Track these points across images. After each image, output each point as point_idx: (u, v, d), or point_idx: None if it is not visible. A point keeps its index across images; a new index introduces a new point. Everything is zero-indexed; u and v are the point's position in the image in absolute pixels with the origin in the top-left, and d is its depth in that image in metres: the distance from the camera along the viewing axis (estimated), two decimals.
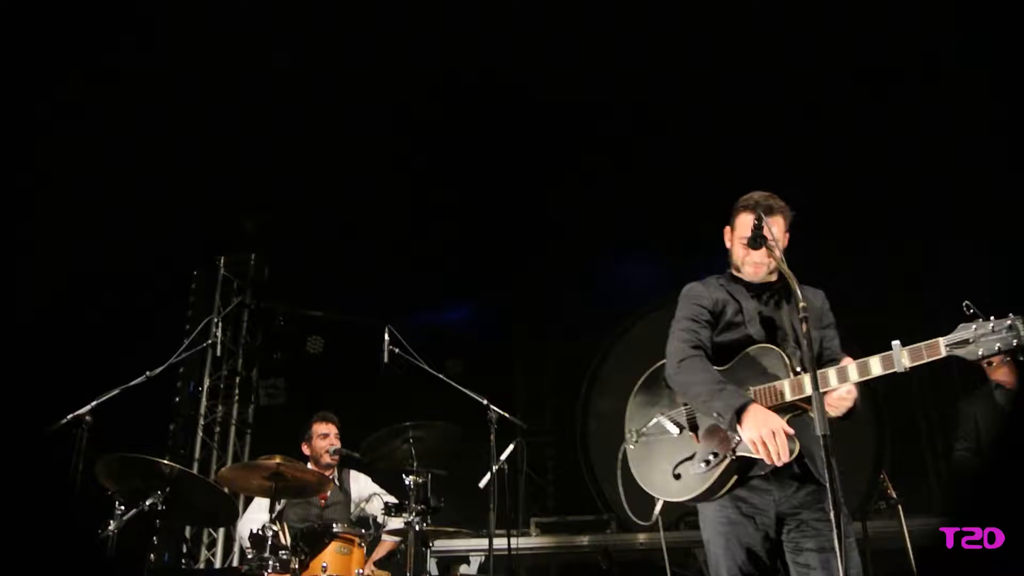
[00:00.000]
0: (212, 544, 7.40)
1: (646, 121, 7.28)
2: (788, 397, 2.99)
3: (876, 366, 2.83)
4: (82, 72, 5.79)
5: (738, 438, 2.99)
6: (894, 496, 5.53)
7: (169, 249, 7.30)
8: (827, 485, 3.02)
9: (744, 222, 3.25)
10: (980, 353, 2.62)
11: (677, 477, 3.18)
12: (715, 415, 3.04)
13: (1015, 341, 2.58)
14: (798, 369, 3.03)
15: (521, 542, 6.65)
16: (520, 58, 6.80)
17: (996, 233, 6.40)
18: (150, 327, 6.87)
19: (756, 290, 3.33)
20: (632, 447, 3.36)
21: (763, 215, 3.14)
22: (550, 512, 7.77)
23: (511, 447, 5.25)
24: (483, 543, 5.97)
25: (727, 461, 3.05)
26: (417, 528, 4.66)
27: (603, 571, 6.42)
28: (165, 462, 4.33)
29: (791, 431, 2.92)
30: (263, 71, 6.64)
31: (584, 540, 6.78)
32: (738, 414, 2.96)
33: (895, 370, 2.78)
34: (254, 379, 7.84)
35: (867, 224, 7.42)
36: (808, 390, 2.87)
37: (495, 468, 4.99)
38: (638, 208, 7.67)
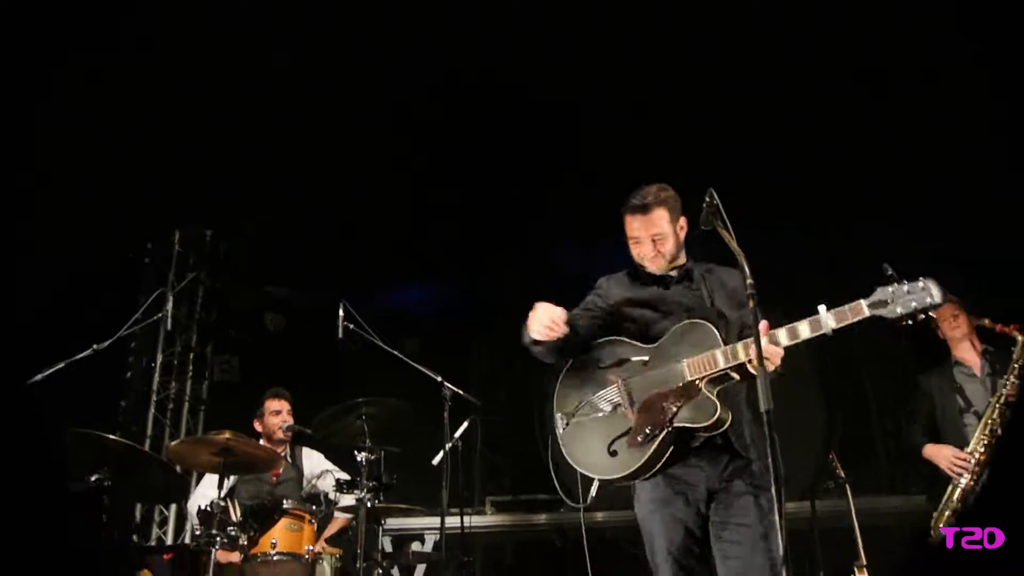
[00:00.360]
0: (164, 522, 7.31)
1: (644, 121, 7.23)
2: (721, 365, 3.07)
3: (805, 329, 2.96)
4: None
5: (674, 409, 3.07)
6: (842, 476, 5.61)
7: (123, 224, 7.16)
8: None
9: (628, 223, 3.42)
10: (899, 312, 2.80)
11: (613, 454, 3.19)
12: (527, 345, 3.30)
13: (928, 299, 2.78)
14: (728, 339, 3.12)
15: (476, 520, 6.67)
16: (520, 58, 6.72)
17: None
18: (103, 302, 6.75)
19: (663, 281, 3.45)
20: (562, 431, 3.35)
21: (639, 212, 3.36)
22: (506, 491, 7.78)
23: (465, 424, 5.25)
24: (437, 521, 5.98)
25: (664, 433, 3.10)
26: (368, 505, 4.66)
27: (558, 549, 6.46)
28: (111, 437, 4.26)
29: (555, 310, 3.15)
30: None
31: (542, 518, 6.82)
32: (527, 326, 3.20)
33: (823, 332, 2.92)
34: (208, 355, 7.74)
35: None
36: (741, 356, 3.02)
37: (448, 446, 4.99)
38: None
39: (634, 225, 3.40)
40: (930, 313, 2.80)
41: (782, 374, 3.05)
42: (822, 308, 2.91)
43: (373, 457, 4.79)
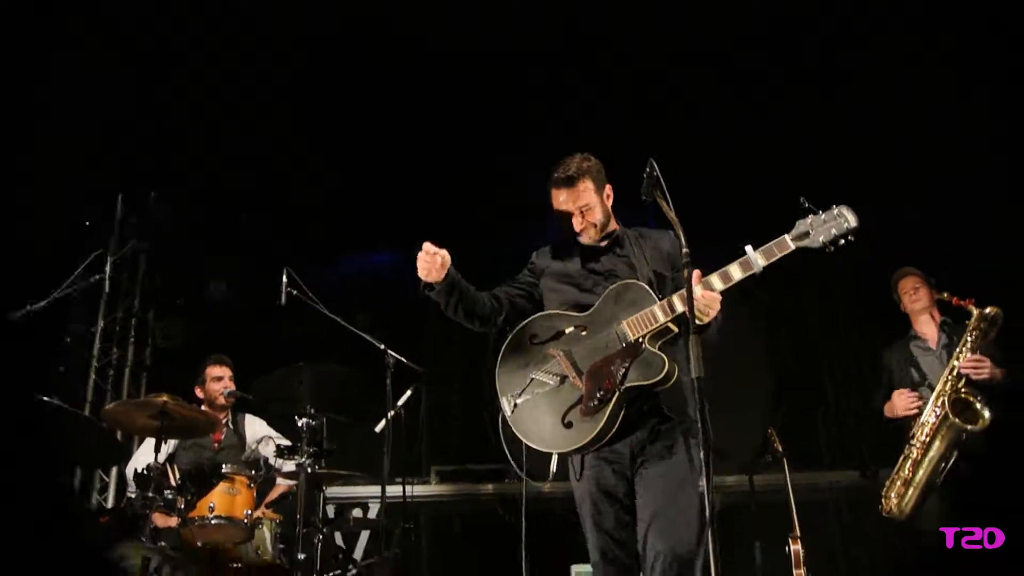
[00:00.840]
0: (104, 488, 7.19)
1: (603, 75, 7.11)
2: (661, 319, 3.10)
3: (736, 271, 3.07)
4: None
5: (622, 371, 3.09)
6: (780, 450, 5.70)
7: (61, 191, 6.96)
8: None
9: (554, 197, 3.44)
10: (821, 240, 2.96)
11: (568, 426, 3.17)
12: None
13: (845, 224, 2.93)
14: (660, 296, 3.15)
15: (420, 490, 6.67)
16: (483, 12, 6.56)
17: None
18: (41, 268, 6.58)
19: (592, 251, 3.47)
20: (511, 413, 3.30)
21: (564, 186, 3.35)
22: (452, 461, 7.78)
23: (408, 392, 5.25)
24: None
25: (616, 396, 3.10)
26: (308, 471, 4.64)
27: (502, 519, 6.49)
28: (44, 399, 4.18)
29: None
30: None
31: (488, 488, 6.83)
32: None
33: (754, 271, 3.02)
34: (151, 321, 7.61)
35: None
36: (679, 307, 3.06)
37: (391, 413, 4.99)
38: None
39: (560, 198, 3.41)
40: (850, 238, 2.94)
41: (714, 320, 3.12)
42: (749, 248, 3.01)
43: (314, 423, 4.75)
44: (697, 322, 2.92)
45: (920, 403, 4.83)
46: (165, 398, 4.32)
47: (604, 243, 3.46)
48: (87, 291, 6.07)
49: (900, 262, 5.40)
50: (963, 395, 4.68)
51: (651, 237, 3.49)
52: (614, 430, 3.13)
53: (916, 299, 5.18)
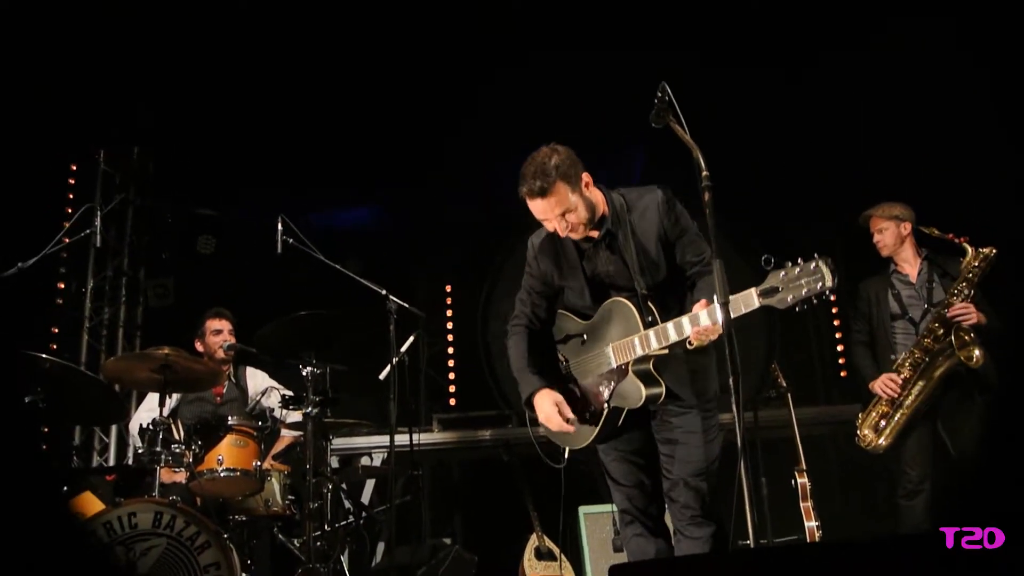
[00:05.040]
0: (104, 449, 7.13)
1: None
2: (639, 353, 3.14)
3: (685, 327, 3.02)
4: None
5: (608, 392, 3.25)
6: (783, 384, 5.70)
7: (42, 144, 6.75)
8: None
9: (531, 207, 3.23)
10: (789, 300, 2.68)
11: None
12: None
13: (819, 284, 2.61)
14: (649, 318, 3.17)
15: (423, 438, 6.66)
16: None
17: None
18: (27, 229, 6.41)
19: (587, 248, 3.38)
20: None
21: (538, 197, 3.15)
22: (451, 410, 7.79)
23: (411, 339, 5.19)
24: (385, 440, 5.94)
25: (604, 413, 3.26)
26: (315, 419, 4.59)
27: (504, 464, 6.51)
28: (44, 356, 4.09)
29: (569, 417, 3.29)
30: None
31: (487, 434, 6.84)
32: (529, 401, 3.38)
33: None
34: (141, 279, 7.46)
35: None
36: (654, 345, 3.10)
37: (395, 360, 4.94)
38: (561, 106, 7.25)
39: (537, 209, 3.20)
40: (827, 296, 2.64)
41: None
42: (716, 298, 2.81)
43: (319, 372, 4.70)
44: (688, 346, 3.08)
45: (899, 390, 4.79)
46: (167, 350, 4.24)
47: (596, 233, 3.32)
48: (77, 247, 5.93)
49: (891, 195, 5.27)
50: (959, 332, 4.65)
51: (636, 213, 3.31)
52: (615, 429, 3.32)
53: (881, 245, 5.10)
